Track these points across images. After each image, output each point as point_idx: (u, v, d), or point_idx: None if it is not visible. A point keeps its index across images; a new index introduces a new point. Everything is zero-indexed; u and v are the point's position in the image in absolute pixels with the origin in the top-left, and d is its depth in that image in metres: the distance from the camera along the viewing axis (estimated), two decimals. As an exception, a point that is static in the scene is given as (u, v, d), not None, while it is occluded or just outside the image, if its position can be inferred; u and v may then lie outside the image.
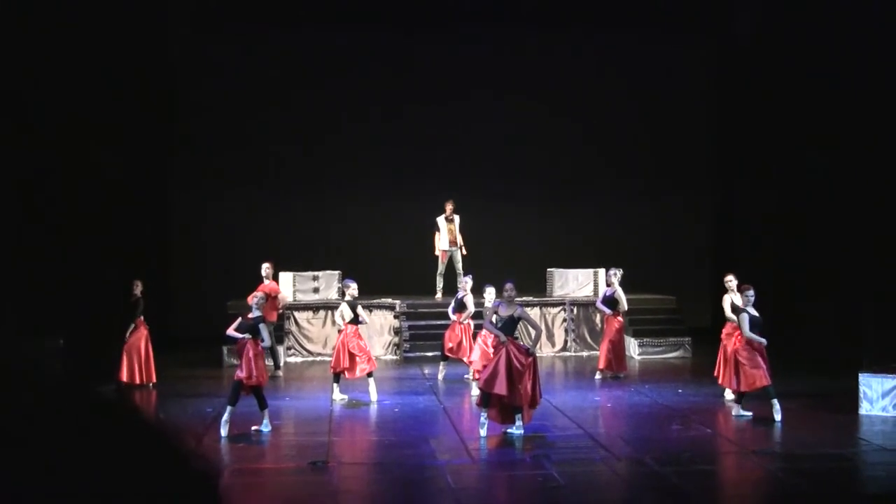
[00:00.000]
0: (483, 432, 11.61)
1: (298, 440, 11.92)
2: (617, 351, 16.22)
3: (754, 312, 12.78)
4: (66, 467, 1.20)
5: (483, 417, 11.69)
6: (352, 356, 14.10)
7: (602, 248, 20.54)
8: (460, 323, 15.84)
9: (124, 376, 15.19)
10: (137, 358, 15.31)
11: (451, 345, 16.08)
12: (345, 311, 14.34)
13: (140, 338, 15.34)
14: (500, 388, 11.38)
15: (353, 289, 14.43)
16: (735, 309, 13.65)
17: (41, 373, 1.29)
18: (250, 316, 12.42)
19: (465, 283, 16.26)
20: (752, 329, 12.72)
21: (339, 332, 14.41)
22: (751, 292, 12.87)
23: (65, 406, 1.27)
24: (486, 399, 11.62)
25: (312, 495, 9.24)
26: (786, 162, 18.88)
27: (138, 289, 15.41)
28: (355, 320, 14.27)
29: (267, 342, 12.39)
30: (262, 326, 12.28)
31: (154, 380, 15.46)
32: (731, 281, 14.31)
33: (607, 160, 21.68)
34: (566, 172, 21.60)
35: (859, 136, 16.58)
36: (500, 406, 11.70)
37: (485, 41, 21.60)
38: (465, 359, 15.93)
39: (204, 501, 1.30)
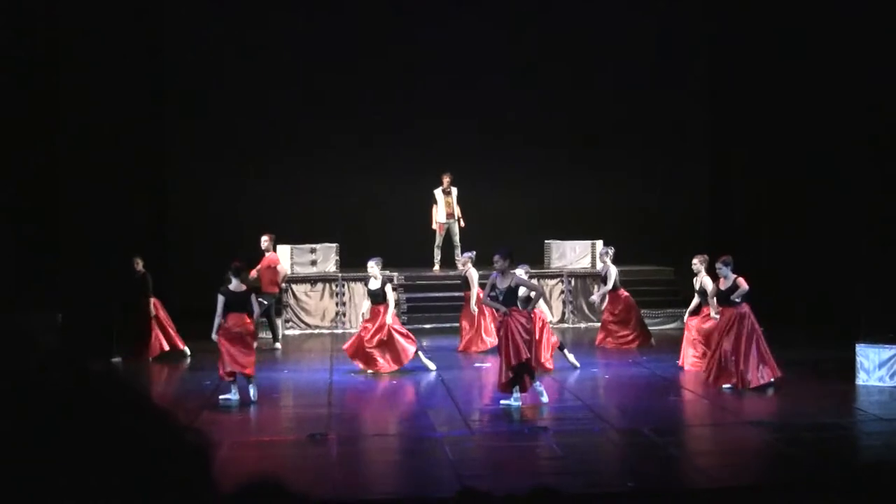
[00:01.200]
0: (545, 399, 11.71)
1: (297, 412, 11.96)
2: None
3: (722, 285, 12.85)
4: (55, 443, 1.21)
5: (539, 385, 11.77)
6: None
7: (599, 220, 20.53)
8: (471, 309, 15.79)
9: (145, 350, 15.51)
10: (153, 332, 15.62)
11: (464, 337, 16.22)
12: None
13: (148, 312, 15.62)
14: (524, 353, 11.43)
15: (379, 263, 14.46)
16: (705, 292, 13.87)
17: (35, 348, 1.29)
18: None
19: (465, 259, 16.17)
20: (719, 302, 12.94)
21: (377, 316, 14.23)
22: (718, 264, 12.90)
23: (56, 381, 1.27)
24: (524, 368, 11.61)
25: (312, 467, 9.27)
26: (783, 131, 18.82)
27: (139, 265, 15.59)
28: (382, 298, 14.27)
29: (256, 311, 12.41)
30: (252, 300, 12.38)
31: (165, 349, 15.73)
32: (695, 264, 14.34)
33: (605, 130, 21.60)
34: (563, 144, 21.52)
35: (858, 99, 16.55)
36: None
37: (481, 12, 21.47)
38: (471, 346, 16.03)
39: (198, 475, 1.30)
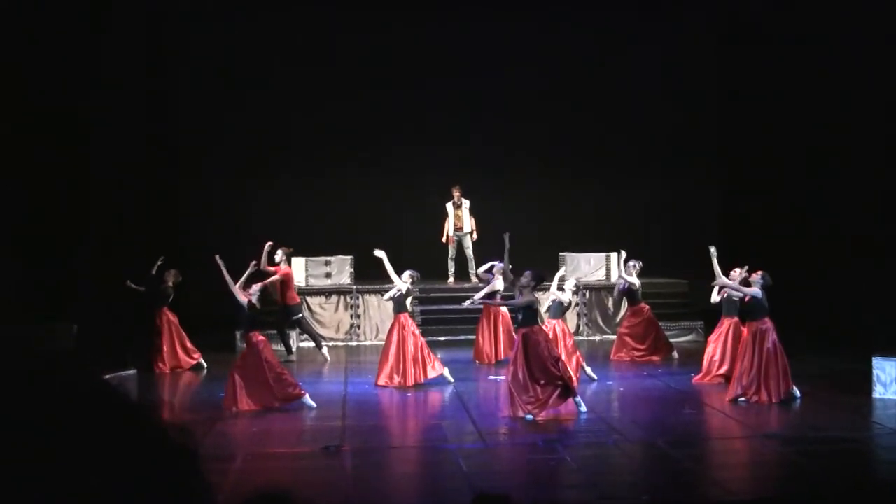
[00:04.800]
0: (583, 409, 11.81)
1: (312, 424, 11.96)
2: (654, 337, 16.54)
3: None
4: (45, 447, 1.22)
5: (578, 399, 11.87)
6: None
7: (614, 233, 20.47)
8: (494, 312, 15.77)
9: (157, 363, 15.65)
10: (166, 344, 15.72)
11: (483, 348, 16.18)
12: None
13: (163, 325, 15.74)
14: (555, 371, 11.61)
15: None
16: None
17: (46, 357, 1.31)
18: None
19: (498, 269, 16.10)
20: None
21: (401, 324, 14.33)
22: (761, 272, 12.84)
23: (54, 389, 1.29)
24: (565, 388, 11.71)
25: (326, 480, 9.27)
26: (795, 143, 18.79)
27: (171, 278, 15.82)
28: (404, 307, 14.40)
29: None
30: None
31: (183, 363, 15.87)
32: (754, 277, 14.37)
33: (618, 143, 21.59)
34: (577, 156, 21.52)
35: (869, 110, 16.52)
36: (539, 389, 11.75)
37: (492, 19, 21.48)
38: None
39: (183, 473, 1.31)
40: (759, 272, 12.82)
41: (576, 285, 14.87)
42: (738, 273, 14.15)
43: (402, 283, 14.25)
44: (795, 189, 18.98)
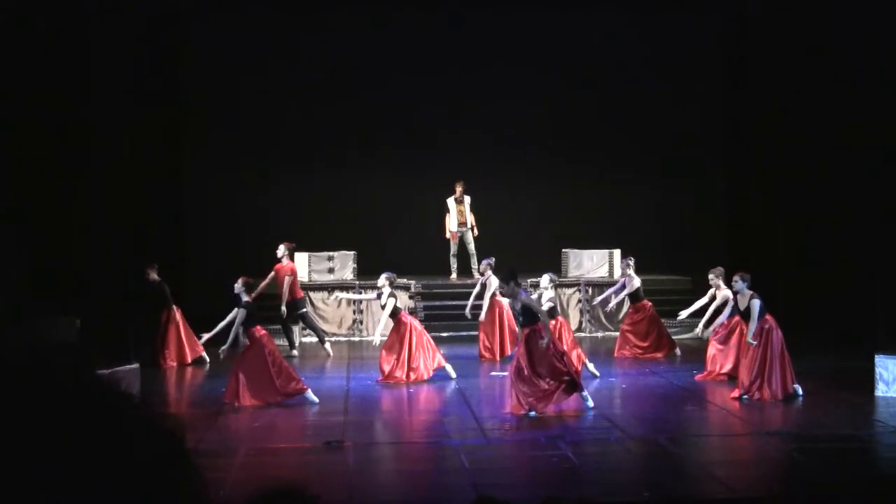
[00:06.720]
0: (590, 404, 11.81)
1: (314, 420, 11.97)
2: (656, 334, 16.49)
3: (741, 303, 12.79)
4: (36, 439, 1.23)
5: (585, 394, 11.88)
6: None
7: (617, 229, 20.48)
8: (482, 316, 15.74)
9: (162, 360, 15.69)
10: (172, 339, 15.81)
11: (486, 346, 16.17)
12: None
13: (169, 320, 15.85)
14: (561, 367, 11.61)
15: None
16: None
17: (47, 352, 1.32)
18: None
19: (484, 266, 16.19)
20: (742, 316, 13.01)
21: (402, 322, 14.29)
22: (735, 277, 12.83)
23: (50, 383, 1.30)
24: (570, 384, 11.70)
25: (327, 475, 9.28)
26: (800, 137, 18.76)
27: (153, 275, 15.81)
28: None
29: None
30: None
31: (187, 358, 15.91)
32: (712, 279, 14.47)
33: (622, 139, 21.56)
34: (580, 151, 21.49)
35: (869, 111, 16.50)
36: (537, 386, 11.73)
37: (493, 17, 21.45)
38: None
39: (171, 456, 1.32)
40: (739, 273, 12.76)
41: (552, 281, 14.68)
42: (714, 276, 14.32)
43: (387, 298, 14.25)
44: (796, 189, 18.96)
